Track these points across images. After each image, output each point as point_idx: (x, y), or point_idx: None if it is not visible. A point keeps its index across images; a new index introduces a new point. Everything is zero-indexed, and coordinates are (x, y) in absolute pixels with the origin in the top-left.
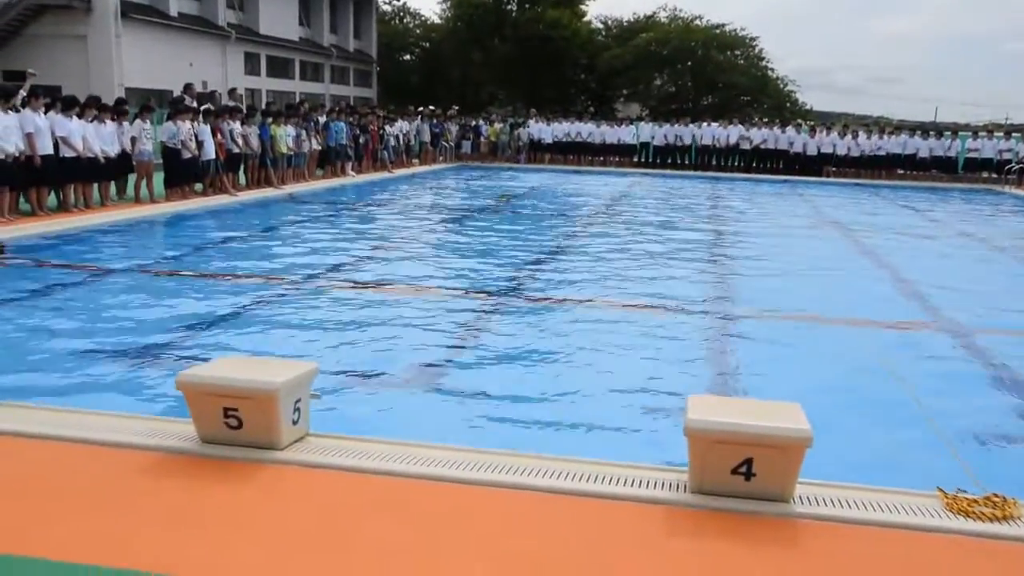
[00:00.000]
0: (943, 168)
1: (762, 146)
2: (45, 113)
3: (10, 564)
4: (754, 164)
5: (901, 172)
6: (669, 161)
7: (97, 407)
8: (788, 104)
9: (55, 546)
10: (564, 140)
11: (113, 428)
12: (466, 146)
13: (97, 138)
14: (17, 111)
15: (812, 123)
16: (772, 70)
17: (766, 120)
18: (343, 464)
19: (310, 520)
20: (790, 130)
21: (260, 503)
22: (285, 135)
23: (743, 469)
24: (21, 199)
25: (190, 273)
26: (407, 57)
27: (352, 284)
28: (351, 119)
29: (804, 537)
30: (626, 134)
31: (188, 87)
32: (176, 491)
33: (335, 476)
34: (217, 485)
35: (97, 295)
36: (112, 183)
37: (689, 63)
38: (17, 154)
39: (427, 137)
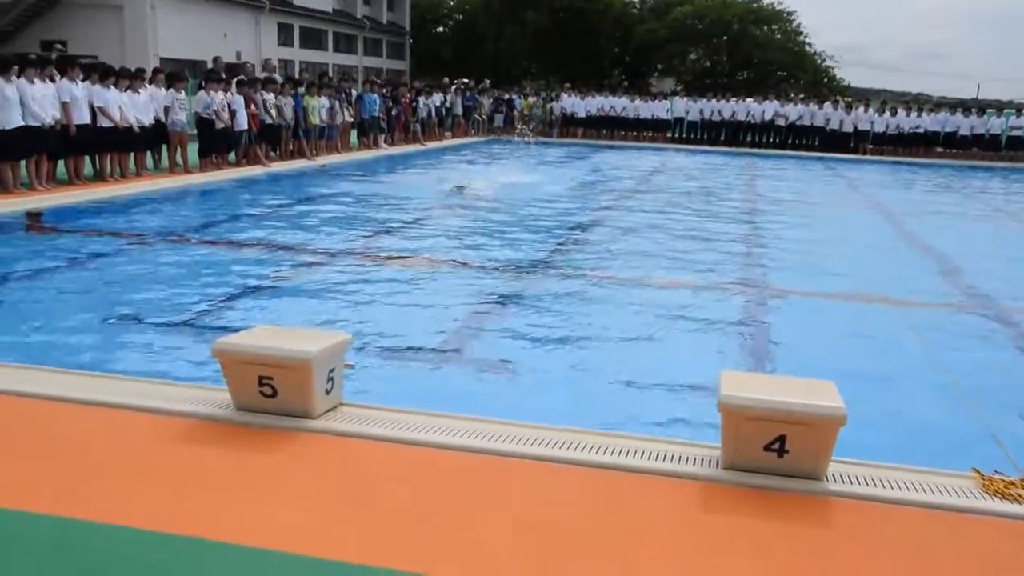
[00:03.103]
0: (985, 146)
1: (797, 123)
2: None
3: (50, 525)
4: (789, 141)
5: (940, 150)
6: (703, 137)
7: (133, 374)
8: (825, 80)
9: (93, 508)
10: (597, 115)
11: (149, 394)
12: (499, 119)
13: (132, 108)
14: (54, 80)
15: (849, 99)
16: (809, 45)
17: (802, 96)
18: (376, 433)
19: (342, 488)
20: (826, 106)
21: (293, 470)
22: (318, 106)
23: (776, 446)
24: (59, 168)
25: (224, 243)
26: (440, 29)
27: (385, 256)
28: (384, 91)
29: (836, 515)
30: (660, 109)
31: (216, 60)
32: (211, 457)
33: (368, 445)
34: (251, 452)
35: (133, 263)
36: (148, 153)
37: (725, 37)
38: (53, 123)
39: (459, 110)
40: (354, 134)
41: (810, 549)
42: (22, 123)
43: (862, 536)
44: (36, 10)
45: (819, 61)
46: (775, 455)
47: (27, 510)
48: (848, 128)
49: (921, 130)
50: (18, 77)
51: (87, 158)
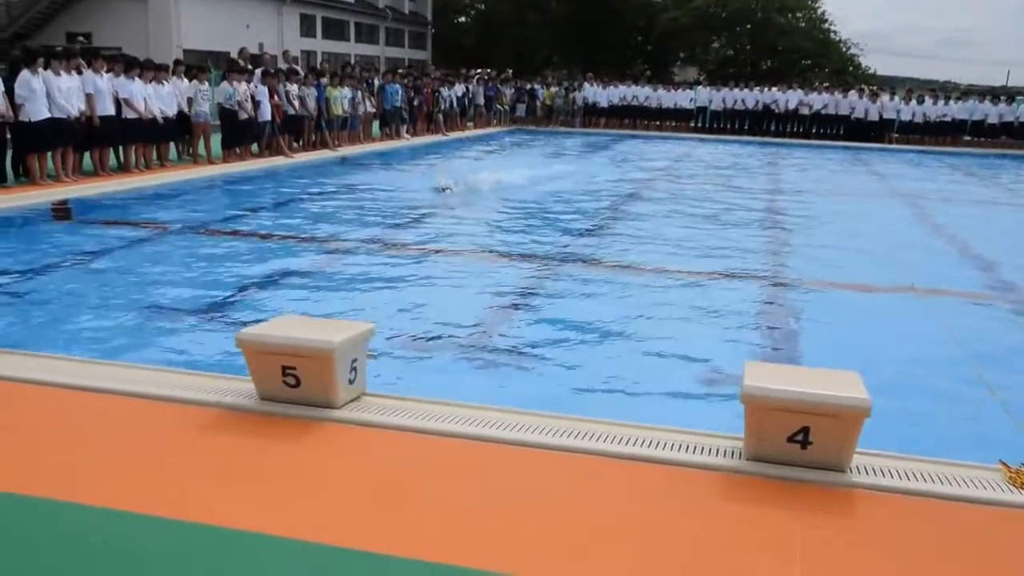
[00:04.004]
0: (1014, 135)
1: (822, 111)
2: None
3: (75, 513)
4: (813, 130)
5: (968, 139)
6: (726, 126)
7: (157, 363)
8: (851, 68)
9: (116, 497)
10: (620, 104)
11: (173, 384)
12: (520, 109)
13: (157, 99)
14: (80, 73)
15: (875, 88)
16: (835, 33)
17: (827, 85)
18: (399, 423)
19: (365, 477)
20: (852, 95)
21: (316, 460)
22: (341, 97)
23: (799, 437)
24: (85, 160)
25: (247, 233)
26: (462, 19)
27: (407, 247)
28: (406, 81)
29: (861, 507)
30: (683, 98)
31: (242, 51)
32: (234, 447)
33: (391, 435)
34: (274, 442)
35: (157, 254)
36: (172, 144)
37: (748, 26)
38: (79, 115)
39: (481, 100)
40: (376, 124)
41: (834, 541)
42: (48, 115)
43: (887, 528)
44: (62, 3)
45: (844, 49)
46: (799, 446)
47: (53, 498)
48: (874, 117)
49: (948, 118)
50: (44, 69)
51: (112, 150)
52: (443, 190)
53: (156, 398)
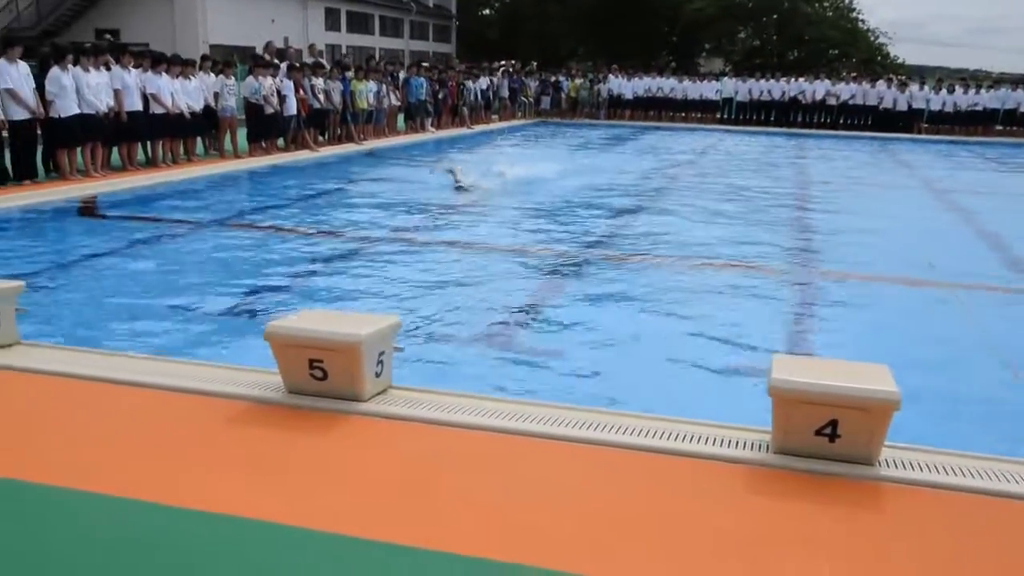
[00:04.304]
0: None
1: (850, 102)
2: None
3: (101, 504)
4: (841, 121)
5: (1000, 128)
6: (753, 117)
7: (185, 356)
8: (879, 58)
9: (145, 488)
10: (645, 96)
11: (201, 377)
12: (545, 101)
13: (184, 94)
14: (108, 69)
15: (903, 77)
16: (863, 22)
17: (854, 75)
18: (425, 416)
19: (391, 470)
20: (880, 85)
21: (343, 452)
22: (366, 91)
23: (827, 430)
24: (113, 155)
25: (274, 227)
26: (486, 11)
27: (432, 240)
28: (431, 74)
29: (889, 501)
30: (709, 89)
31: (268, 44)
32: (261, 439)
33: (417, 428)
34: (301, 434)
35: (184, 248)
36: (198, 138)
37: (775, 16)
38: (107, 111)
39: (506, 93)
40: (401, 118)
41: (863, 534)
42: (78, 111)
43: (916, 522)
44: (90, 0)
45: (872, 38)
46: (827, 439)
47: (81, 489)
48: (902, 107)
49: (979, 108)
50: (74, 66)
51: (139, 145)
52: (459, 187)
53: (184, 391)
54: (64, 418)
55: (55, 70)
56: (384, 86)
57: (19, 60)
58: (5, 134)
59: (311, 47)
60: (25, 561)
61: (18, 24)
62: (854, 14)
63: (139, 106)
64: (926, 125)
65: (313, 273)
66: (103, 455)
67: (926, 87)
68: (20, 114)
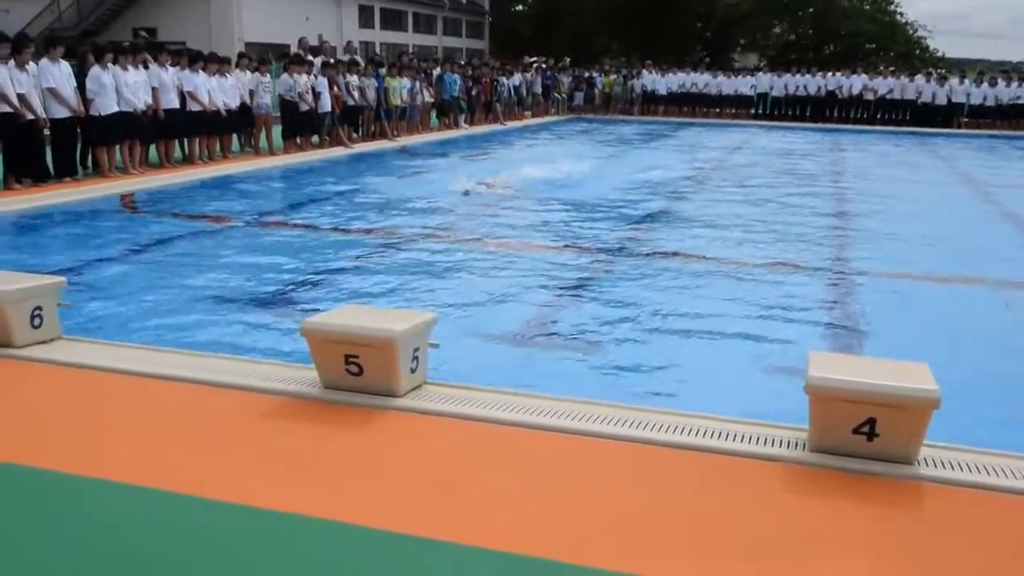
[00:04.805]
0: None
1: (887, 96)
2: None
3: (142, 496)
4: (878, 116)
5: None
6: (788, 113)
7: (221, 352)
8: (918, 51)
9: (183, 481)
10: (679, 91)
11: (238, 372)
12: (578, 97)
13: (220, 92)
14: (147, 67)
15: (943, 71)
16: (901, 15)
17: (892, 69)
18: (460, 412)
19: (426, 465)
20: (919, 79)
21: (378, 448)
22: (399, 87)
23: (865, 429)
24: (151, 152)
25: (309, 224)
26: (519, 8)
27: (467, 236)
28: (464, 71)
29: (928, 501)
30: (743, 85)
31: (301, 41)
32: (298, 434)
33: (452, 423)
34: (337, 429)
35: (221, 244)
36: (235, 136)
37: (811, 10)
38: (145, 108)
39: (539, 89)
40: (433, 114)
41: (901, 535)
42: (117, 109)
43: (956, 523)
44: (129, 0)
45: (911, 31)
46: (864, 438)
47: (121, 481)
48: (941, 101)
49: (1021, 101)
50: (113, 64)
51: (176, 142)
52: (466, 193)
53: (221, 385)
54: (104, 412)
55: (95, 69)
56: (417, 82)
57: (61, 60)
58: (47, 132)
59: (348, 44)
60: (68, 554)
61: (60, 24)
62: (892, 7)
63: (176, 104)
64: (966, 119)
65: (348, 269)
66: (142, 449)
67: (966, 80)
68: (61, 112)
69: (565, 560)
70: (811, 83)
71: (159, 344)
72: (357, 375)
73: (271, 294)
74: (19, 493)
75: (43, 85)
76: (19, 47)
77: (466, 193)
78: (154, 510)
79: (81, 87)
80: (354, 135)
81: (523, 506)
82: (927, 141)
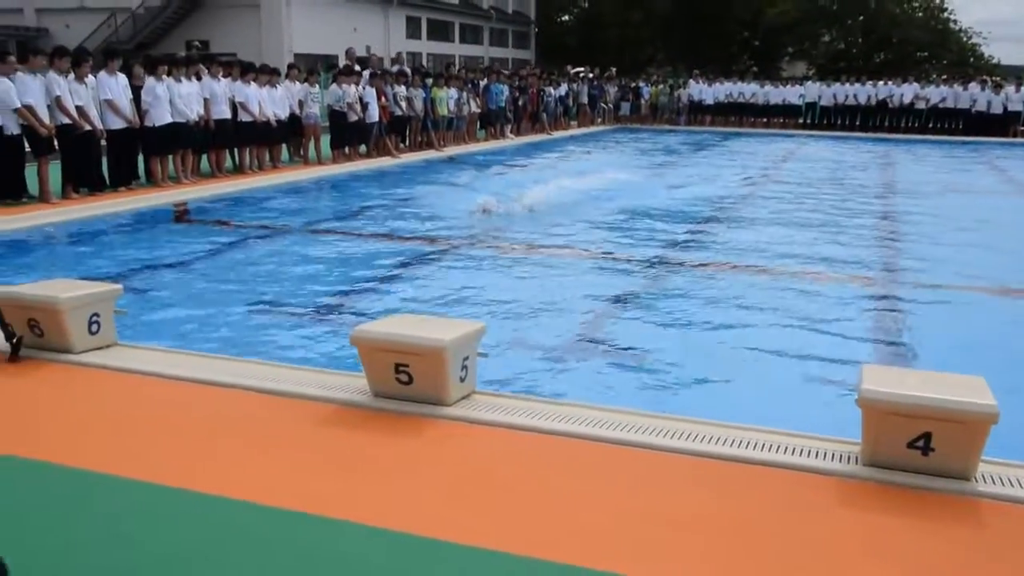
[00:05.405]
0: None
1: (940, 105)
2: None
3: (196, 501)
4: (930, 125)
5: None
6: (837, 122)
7: (272, 359)
8: (971, 59)
9: (233, 486)
10: (726, 101)
11: (288, 379)
12: (625, 107)
13: (270, 102)
14: (200, 79)
15: (998, 79)
16: (954, 22)
17: (944, 77)
18: (508, 422)
19: (475, 474)
20: (972, 87)
21: (427, 456)
22: (446, 97)
23: (920, 443)
24: (202, 162)
25: (358, 232)
26: (565, 18)
27: (514, 246)
28: (511, 81)
29: (986, 517)
30: (791, 94)
31: (348, 51)
32: (347, 441)
33: (500, 433)
34: (386, 437)
35: (271, 252)
36: (284, 145)
37: (861, 18)
38: (197, 119)
39: (585, 99)
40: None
41: (957, 552)
42: (170, 120)
43: (1015, 541)
44: (182, 12)
45: (965, 38)
46: (919, 452)
47: (174, 486)
48: (997, 109)
49: None
50: (168, 76)
51: (227, 152)
52: (485, 211)
53: (271, 393)
54: (157, 417)
55: (150, 80)
56: (464, 93)
57: (118, 72)
58: (103, 143)
59: (399, 55)
60: (119, 555)
61: (116, 38)
62: (945, 14)
63: (227, 114)
64: (1023, 128)
65: (397, 277)
66: (195, 454)
67: (1023, 88)
68: (117, 123)
69: (614, 570)
70: (861, 92)
71: (211, 351)
72: (406, 384)
73: (321, 302)
74: (73, 495)
75: (100, 97)
76: (79, 61)
77: (484, 211)
78: (205, 515)
79: (137, 99)
80: (401, 145)
81: (571, 516)
82: (982, 151)
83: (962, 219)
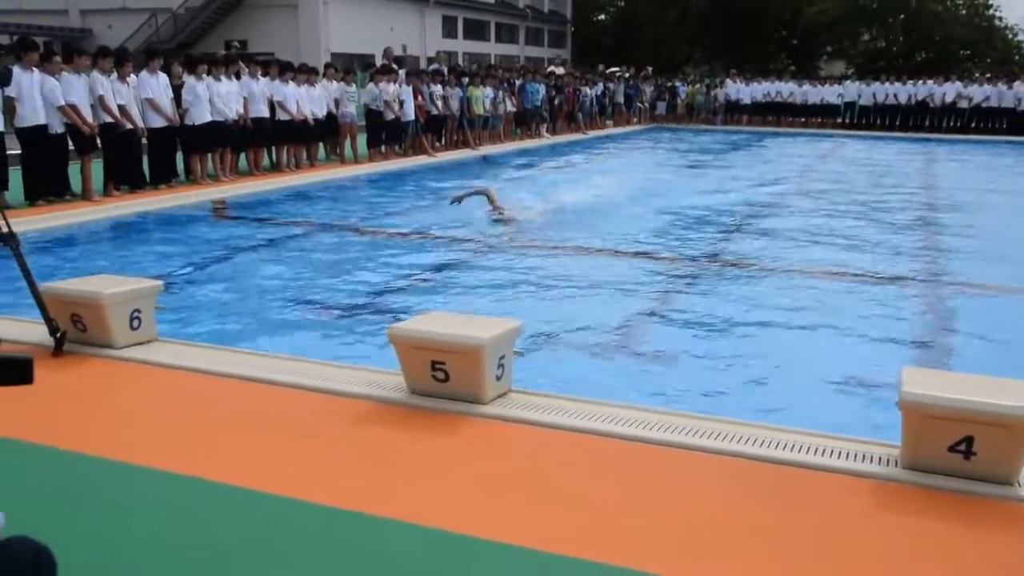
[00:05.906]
0: None
1: (983, 104)
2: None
3: (234, 496)
4: (973, 124)
5: None
6: (877, 122)
7: (310, 356)
8: (1017, 57)
9: (269, 480)
10: (763, 100)
11: (326, 376)
12: (661, 107)
13: (308, 101)
14: (239, 78)
15: None
16: (1000, 19)
17: (988, 76)
18: (544, 420)
19: (511, 472)
20: (1017, 85)
21: (463, 453)
22: (482, 96)
23: (962, 447)
24: (241, 160)
25: (393, 230)
26: (601, 17)
27: (549, 245)
28: (547, 80)
29: None
30: (830, 94)
31: (386, 50)
32: (384, 438)
33: (536, 432)
34: (423, 434)
35: (309, 250)
36: (321, 144)
37: (901, 16)
38: (236, 118)
39: (621, 98)
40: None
41: (1000, 558)
42: (210, 119)
43: None
44: (222, 12)
45: (1010, 36)
46: (961, 456)
47: (211, 479)
48: None
49: None
50: (207, 75)
51: (265, 150)
52: (499, 215)
53: (309, 389)
54: (195, 412)
55: (190, 80)
56: (500, 92)
57: (158, 72)
58: (144, 141)
59: (437, 54)
60: (161, 549)
61: (157, 38)
62: (989, 11)
63: (265, 113)
64: None
65: (433, 275)
66: (233, 449)
67: None
68: (158, 122)
69: (649, 570)
70: (901, 91)
71: (249, 347)
72: (443, 381)
73: (357, 299)
74: (112, 488)
75: (142, 96)
76: (121, 60)
77: (496, 219)
78: (242, 510)
79: (177, 97)
80: (437, 144)
81: (607, 515)
82: None
83: (1004, 221)
